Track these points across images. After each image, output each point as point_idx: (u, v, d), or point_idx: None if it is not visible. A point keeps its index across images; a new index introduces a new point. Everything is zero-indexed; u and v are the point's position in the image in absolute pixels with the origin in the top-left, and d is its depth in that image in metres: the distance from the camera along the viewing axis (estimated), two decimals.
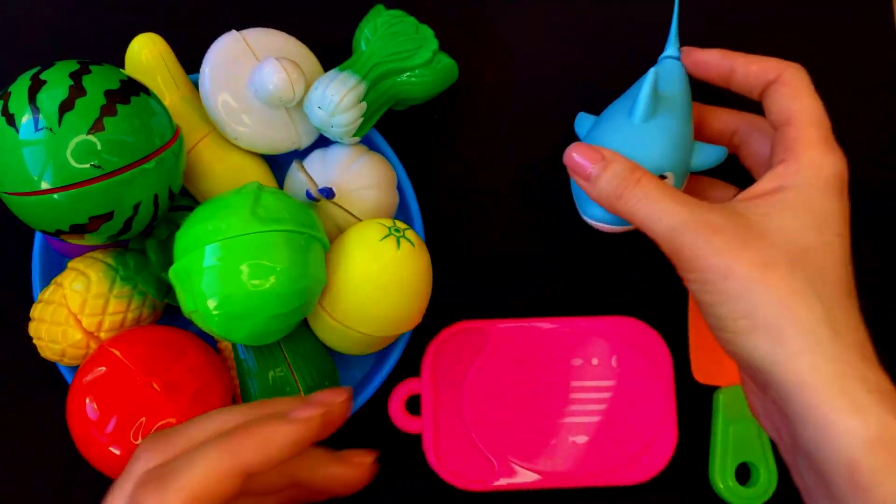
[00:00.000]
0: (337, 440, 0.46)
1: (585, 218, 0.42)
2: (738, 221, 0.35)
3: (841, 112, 0.49)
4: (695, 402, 0.47)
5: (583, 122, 0.46)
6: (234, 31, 0.43)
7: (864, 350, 0.33)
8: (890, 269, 0.48)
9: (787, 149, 0.37)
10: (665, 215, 0.36)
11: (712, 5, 0.50)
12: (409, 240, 0.40)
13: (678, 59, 0.43)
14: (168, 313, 0.44)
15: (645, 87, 0.39)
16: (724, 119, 0.43)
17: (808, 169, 0.36)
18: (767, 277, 0.34)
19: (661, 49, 0.48)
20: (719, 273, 0.34)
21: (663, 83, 0.42)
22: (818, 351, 0.32)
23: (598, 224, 0.41)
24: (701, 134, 0.44)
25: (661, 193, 0.36)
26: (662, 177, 0.40)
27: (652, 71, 0.39)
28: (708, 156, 0.42)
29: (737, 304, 0.34)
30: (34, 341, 0.41)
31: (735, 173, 0.43)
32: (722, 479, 0.45)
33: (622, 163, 0.38)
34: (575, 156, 0.39)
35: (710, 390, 0.46)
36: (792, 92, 0.38)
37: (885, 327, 0.48)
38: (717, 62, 0.41)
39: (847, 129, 0.49)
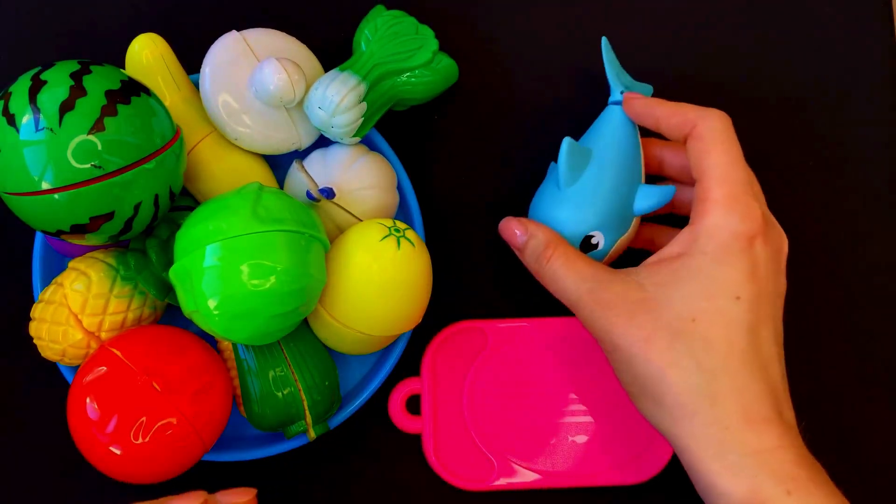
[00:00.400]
0: (337, 440, 0.46)
1: None
2: (630, 295, 0.38)
3: (840, 112, 0.49)
4: None
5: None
6: (234, 32, 0.43)
7: (748, 412, 0.35)
8: (889, 266, 0.48)
9: (694, 211, 0.38)
10: (566, 294, 0.39)
11: (710, 3, 0.50)
12: (409, 240, 0.40)
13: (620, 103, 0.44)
14: (168, 313, 0.44)
15: (561, 159, 0.40)
16: (681, 159, 0.43)
17: (705, 235, 0.37)
18: (648, 351, 0.36)
19: (660, 58, 0.48)
20: (609, 345, 0.38)
21: (603, 132, 0.43)
22: (696, 420, 0.35)
23: None
24: (663, 172, 0.45)
25: (564, 272, 0.39)
26: (590, 237, 0.42)
27: (566, 141, 0.40)
28: (651, 198, 0.42)
29: (626, 374, 0.38)
30: (35, 341, 0.41)
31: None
32: None
33: (538, 238, 0.40)
34: (509, 227, 0.42)
35: None
36: (703, 147, 0.39)
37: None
38: (646, 114, 0.42)
39: (846, 128, 0.49)
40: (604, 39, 0.45)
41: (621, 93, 0.44)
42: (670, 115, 0.40)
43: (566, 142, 0.40)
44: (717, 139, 0.38)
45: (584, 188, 0.41)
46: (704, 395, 0.35)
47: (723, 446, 0.35)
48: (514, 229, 0.42)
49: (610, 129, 0.43)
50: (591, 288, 0.38)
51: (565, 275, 0.39)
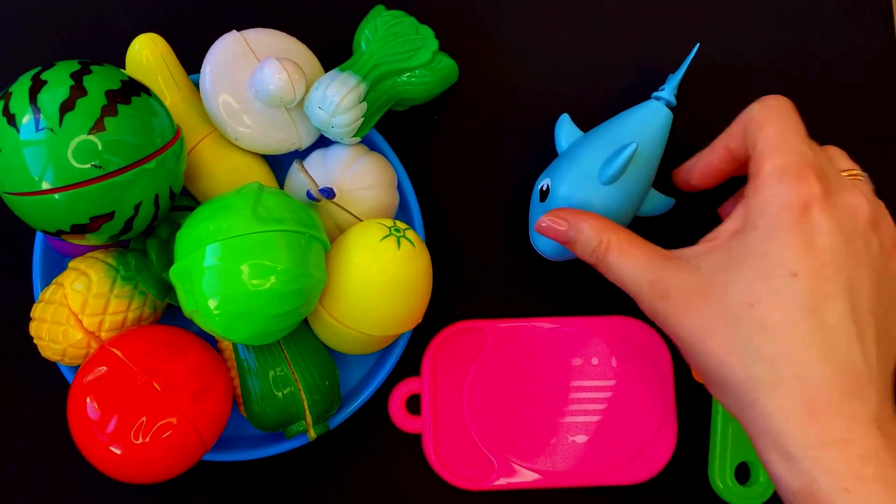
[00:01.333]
0: (337, 440, 0.46)
1: (535, 248, 0.44)
2: (688, 282, 0.36)
3: (840, 111, 0.49)
4: (695, 402, 0.47)
5: (563, 127, 0.46)
6: (234, 32, 0.43)
7: (811, 400, 0.33)
8: None
9: (747, 187, 0.37)
10: (626, 286, 0.38)
11: (710, 4, 0.50)
12: (409, 240, 0.40)
13: (667, 104, 0.44)
14: (169, 313, 0.44)
15: (621, 160, 0.40)
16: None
17: (756, 209, 0.36)
18: (707, 341, 0.35)
19: (659, 60, 0.48)
20: (672, 335, 0.37)
21: (647, 128, 0.43)
22: (756, 408, 0.34)
23: (545, 256, 0.44)
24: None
25: (621, 264, 0.38)
26: None
27: (633, 145, 0.40)
28: (657, 205, 0.45)
29: (692, 362, 0.37)
30: (35, 341, 0.41)
31: None
32: (721, 478, 0.45)
33: (586, 231, 0.39)
34: (546, 224, 0.40)
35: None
36: (755, 125, 0.37)
37: None
38: (714, 157, 0.41)
39: (846, 128, 0.49)
40: (697, 46, 0.44)
41: (674, 95, 0.44)
42: (731, 126, 0.40)
43: (633, 146, 0.39)
44: (770, 114, 0.37)
45: (619, 190, 0.41)
46: (765, 384, 0.34)
47: (781, 437, 0.33)
48: (556, 224, 0.40)
49: (654, 127, 0.43)
50: (651, 280, 0.37)
51: (622, 266, 0.38)
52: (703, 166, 0.42)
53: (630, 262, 0.38)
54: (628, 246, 0.38)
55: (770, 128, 0.37)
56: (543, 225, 0.40)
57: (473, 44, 0.49)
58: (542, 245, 0.43)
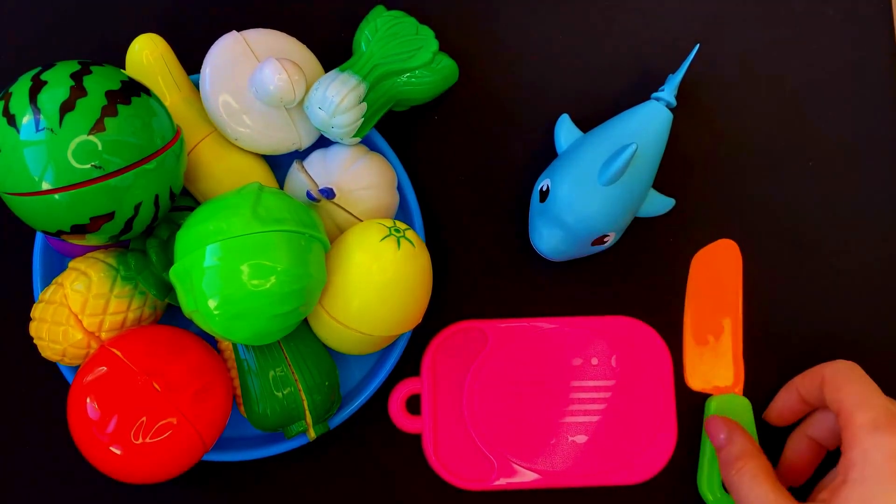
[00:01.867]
0: (337, 440, 0.46)
1: (535, 248, 0.44)
2: None
3: (840, 112, 0.49)
4: (694, 403, 0.47)
5: (563, 127, 0.46)
6: (234, 32, 0.43)
7: None
8: (889, 268, 0.48)
9: (843, 441, 0.39)
10: None
11: (710, 4, 0.50)
12: (409, 240, 0.40)
13: (667, 104, 0.44)
14: (168, 313, 0.44)
15: (620, 161, 0.40)
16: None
17: (859, 462, 0.38)
18: None
19: (659, 60, 0.48)
20: None
21: (647, 128, 0.43)
22: None
23: (545, 256, 0.44)
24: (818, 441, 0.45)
25: (749, 489, 0.41)
26: (606, 236, 0.43)
27: (633, 145, 0.40)
28: (656, 205, 0.45)
29: None
30: (35, 341, 0.41)
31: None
32: (709, 488, 0.45)
33: (736, 446, 0.43)
34: (716, 425, 0.44)
35: (705, 397, 0.46)
36: (834, 385, 0.41)
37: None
38: (790, 401, 0.45)
39: (847, 129, 0.49)
40: (697, 46, 0.45)
41: (674, 95, 0.44)
42: (804, 377, 0.44)
43: (633, 146, 0.40)
44: (845, 375, 0.41)
45: (617, 192, 0.42)
46: None
47: None
48: (718, 429, 0.44)
49: (653, 128, 0.43)
50: None
51: (751, 489, 0.41)
52: (781, 408, 0.45)
53: (759, 490, 0.40)
54: (763, 476, 0.41)
55: (849, 386, 0.40)
56: (711, 423, 0.44)
57: (473, 44, 0.49)
58: (542, 245, 0.43)
